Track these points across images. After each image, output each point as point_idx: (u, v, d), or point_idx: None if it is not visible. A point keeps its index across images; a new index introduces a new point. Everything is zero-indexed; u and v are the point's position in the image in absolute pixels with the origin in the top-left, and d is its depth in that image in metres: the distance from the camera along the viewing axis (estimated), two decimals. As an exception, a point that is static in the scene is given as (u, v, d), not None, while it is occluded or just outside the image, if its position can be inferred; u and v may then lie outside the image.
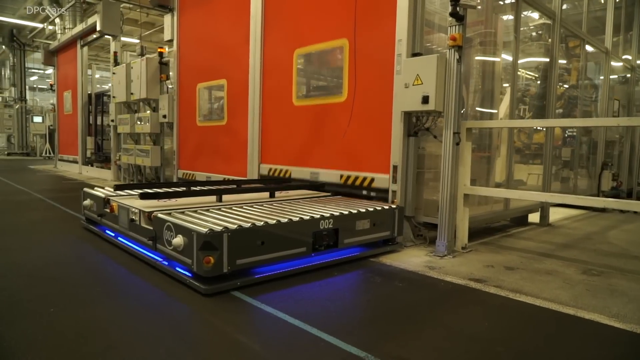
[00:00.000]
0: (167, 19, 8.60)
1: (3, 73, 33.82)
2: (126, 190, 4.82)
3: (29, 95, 28.05)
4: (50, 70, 34.09)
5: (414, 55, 4.55)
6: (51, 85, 16.68)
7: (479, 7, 4.16)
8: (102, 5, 10.58)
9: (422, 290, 3.29)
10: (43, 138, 24.57)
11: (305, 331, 2.48)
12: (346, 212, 3.87)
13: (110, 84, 13.39)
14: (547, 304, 3.02)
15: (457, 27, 4.13)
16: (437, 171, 4.95)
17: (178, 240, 3.15)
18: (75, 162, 14.01)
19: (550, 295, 3.20)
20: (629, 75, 9.79)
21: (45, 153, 23.27)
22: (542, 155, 6.40)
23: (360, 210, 4.00)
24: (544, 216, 6.21)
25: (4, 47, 26.43)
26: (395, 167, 4.70)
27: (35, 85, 34.96)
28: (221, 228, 3.04)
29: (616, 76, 9.67)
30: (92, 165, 13.16)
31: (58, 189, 9.36)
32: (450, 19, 4.13)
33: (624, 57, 9.68)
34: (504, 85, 5.81)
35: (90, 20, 11.92)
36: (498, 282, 3.49)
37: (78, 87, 13.42)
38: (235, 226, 3.12)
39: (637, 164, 9.25)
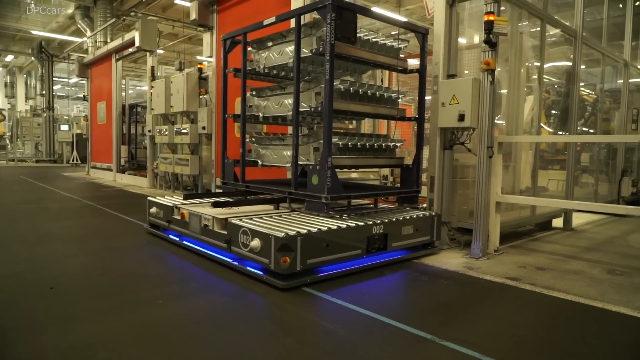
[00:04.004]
0: (207, 37, 9.21)
1: (29, 82, 35.11)
2: (189, 200, 5.37)
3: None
4: (73, 80, 35.32)
5: (449, 76, 5.05)
6: (84, 96, 17.46)
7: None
8: (140, 23, 11.25)
9: (466, 287, 3.77)
10: (69, 146, 25.38)
11: (375, 318, 2.97)
12: (394, 219, 4.37)
13: (130, 92, 14.16)
14: (577, 299, 3.48)
15: (490, 52, 4.61)
16: (467, 180, 5.43)
17: (256, 242, 3.68)
18: (109, 169, 14.70)
19: (579, 292, 3.65)
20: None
21: (73, 160, 24.08)
22: (561, 161, 6.83)
23: (406, 217, 4.50)
24: (567, 221, 6.63)
25: (32, 58, 27.50)
26: (432, 178, 5.18)
27: (56, 94, 36.09)
28: (294, 232, 3.56)
29: (635, 80, 9.95)
30: (124, 173, 13.83)
31: (102, 195, 10.00)
32: (483, 45, 4.62)
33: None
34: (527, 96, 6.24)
35: (127, 36, 12.61)
36: (532, 280, 3.95)
37: (113, 98, 14.12)
38: (305, 231, 3.64)
39: (656, 170, 9.57)
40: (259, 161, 5.61)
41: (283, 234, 3.51)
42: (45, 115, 26.29)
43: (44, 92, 26.96)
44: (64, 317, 2.92)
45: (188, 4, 15.75)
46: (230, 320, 2.93)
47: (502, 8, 4.77)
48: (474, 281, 3.91)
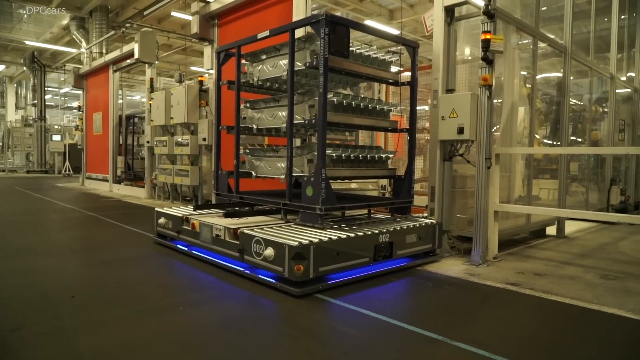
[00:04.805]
0: (207, 50, 9.41)
1: (19, 92, 34.99)
2: (197, 211, 5.52)
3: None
4: (64, 90, 35.28)
5: (448, 91, 5.29)
6: (79, 106, 17.52)
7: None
8: (140, 35, 11.41)
9: (469, 292, 3.96)
10: (61, 156, 25.27)
11: (388, 322, 3.15)
12: (399, 228, 4.56)
13: (121, 101, 14.35)
14: (574, 302, 3.69)
15: (487, 69, 4.86)
16: (465, 190, 5.65)
17: (269, 251, 3.84)
18: (104, 180, 14.74)
19: (576, 295, 3.87)
20: (630, 89, 10.48)
21: (65, 171, 24.00)
22: (551, 170, 7.12)
23: (409, 226, 4.69)
24: (560, 229, 6.87)
25: (24, 68, 27.47)
26: (432, 188, 5.40)
27: (46, 103, 36.02)
28: (307, 241, 3.73)
29: (620, 90, 10.32)
30: (120, 184, 13.88)
31: (101, 206, 10.07)
32: (481, 62, 4.87)
33: (628, 74, 10.41)
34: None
35: (126, 47, 12.77)
36: (530, 285, 4.16)
37: (109, 109, 14.21)
38: (318, 240, 3.81)
39: (643, 179, 9.94)
40: (252, 173, 5.67)
41: (297, 242, 3.68)
42: (36, 125, 26.22)
43: (34, 101, 26.92)
44: (91, 324, 3.06)
45: (183, 16, 16.03)
46: (251, 325, 3.09)
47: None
48: (477, 287, 4.11)
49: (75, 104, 38.64)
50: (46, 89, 28.80)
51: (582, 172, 8.57)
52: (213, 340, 2.82)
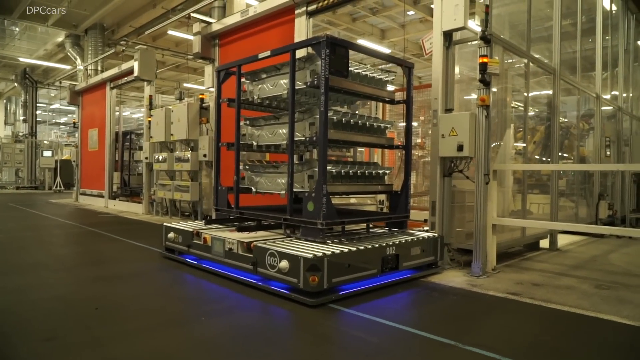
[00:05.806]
0: (208, 69, 9.65)
1: (9, 108, 34.82)
2: (207, 226, 5.68)
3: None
4: (54, 105, 35.20)
5: (447, 110, 5.58)
6: (74, 123, 17.57)
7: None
8: (139, 53, 11.64)
9: (474, 301, 4.18)
10: (51, 172, 25.11)
11: (401, 329, 3.34)
12: (404, 241, 4.78)
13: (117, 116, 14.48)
14: (573, 310, 3.93)
15: (484, 90, 5.16)
16: (464, 205, 5.90)
17: (284, 264, 4.03)
18: (99, 196, 14.77)
19: (573, 304, 4.10)
20: (612, 107, 10.92)
21: (56, 187, 23.85)
22: (540, 186, 7.46)
23: (414, 239, 4.91)
24: (553, 242, 7.15)
25: (16, 84, 27.45)
26: (433, 203, 5.64)
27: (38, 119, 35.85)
28: (321, 254, 3.92)
29: (605, 108, 10.74)
30: (115, 199, 13.92)
31: (101, 222, 10.14)
32: (478, 83, 5.16)
33: (612, 92, 10.87)
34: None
35: (124, 65, 12.96)
36: (530, 295, 4.39)
37: (106, 125, 14.33)
38: (330, 252, 4.01)
39: (628, 193, 10.33)
40: (252, 188, 5.76)
41: (312, 255, 3.88)
42: (27, 141, 26.12)
43: (24, 117, 26.84)
44: (120, 333, 3.20)
45: (178, 34, 16.32)
46: (273, 333, 3.26)
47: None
48: (480, 296, 4.33)
49: (63, 120, 38.63)
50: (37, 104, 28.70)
51: (570, 187, 8.91)
52: (240, 347, 2.98)
